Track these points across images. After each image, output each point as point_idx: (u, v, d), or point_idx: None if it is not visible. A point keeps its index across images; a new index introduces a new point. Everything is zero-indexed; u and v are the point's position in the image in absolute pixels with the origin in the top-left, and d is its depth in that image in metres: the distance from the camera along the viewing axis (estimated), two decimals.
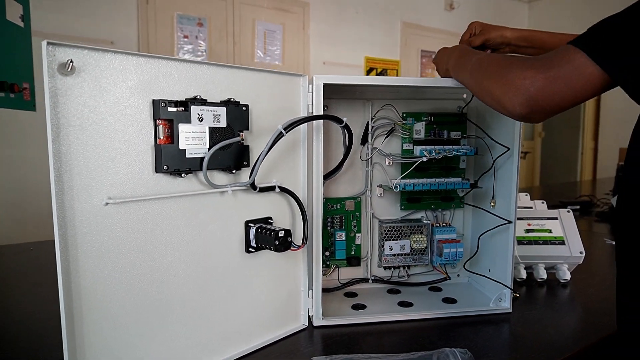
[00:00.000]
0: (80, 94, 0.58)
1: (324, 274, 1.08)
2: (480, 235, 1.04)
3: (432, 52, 5.26)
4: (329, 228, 1.07)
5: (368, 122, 1.06)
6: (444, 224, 1.10)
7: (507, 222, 0.97)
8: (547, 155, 6.33)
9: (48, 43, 0.55)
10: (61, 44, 0.56)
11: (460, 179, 1.02)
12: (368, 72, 4.78)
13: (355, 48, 4.72)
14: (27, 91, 1.79)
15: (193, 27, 3.89)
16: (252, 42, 4.13)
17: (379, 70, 4.85)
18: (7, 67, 1.67)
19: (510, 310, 0.98)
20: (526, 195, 1.43)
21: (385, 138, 1.06)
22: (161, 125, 0.66)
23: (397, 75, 4.96)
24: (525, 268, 1.18)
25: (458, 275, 1.15)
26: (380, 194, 1.10)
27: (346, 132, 0.88)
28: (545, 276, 1.16)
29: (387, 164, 1.08)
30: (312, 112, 0.85)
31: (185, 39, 3.88)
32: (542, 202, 1.39)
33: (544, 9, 6.04)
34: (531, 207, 1.37)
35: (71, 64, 0.57)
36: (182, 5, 3.80)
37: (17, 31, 1.76)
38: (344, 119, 0.84)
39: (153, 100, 0.66)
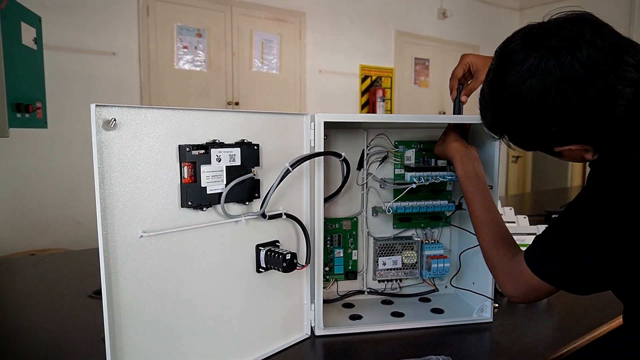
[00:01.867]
0: (121, 145, 0.69)
1: (324, 287, 1.19)
2: (461, 253, 1.16)
3: (426, 59, 5.38)
4: (328, 245, 1.18)
5: (364, 150, 1.17)
6: (433, 241, 1.21)
7: None
8: (538, 160, 6.47)
9: (96, 105, 0.65)
10: (106, 105, 0.67)
11: (446, 202, 1.14)
12: (363, 80, 4.90)
13: (350, 56, 4.83)
14: (40, 110, 1.89)
15: (192, 38, 3.99)
16: (250, 52, 4.22)
17: (373, 78, 4.97)
18: (23, 89, 1.77)
19: (491, 320, 1.09)
20: (510, 209, 1.55)
21: (380, 164, 1.18)
22: (185, 167, 0.77)
23: (391, 83, 5.08)
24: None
25: (446, 287, 1.26)
26: (375, 214, 1.21)
27: (344, 165, 0.99)
28: None
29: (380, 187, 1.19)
30: (314, 146, 0.96)
31: (185, 50, 3.97)
32: (525, 217, 1.50)
33: (534, 16, 6.16)
34: (514, 222, 1.49)
35: (114, 121, 0.67)
36: (181, 16, 3.89)
37: (31, 54, 1.86)
38: (343, 154, 0.95)
39: (179, 145, 0.77)
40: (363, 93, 4.93)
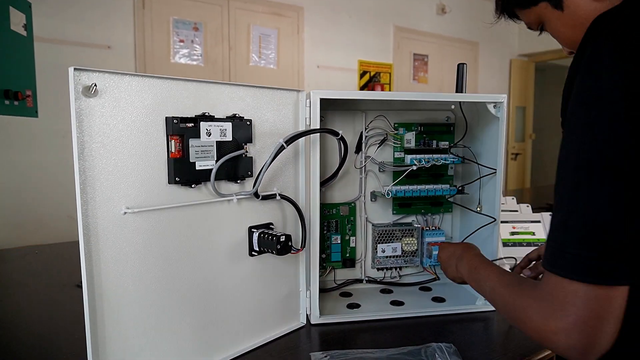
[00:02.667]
0: (102, 114, 0.65)
1: (320, 275, 1.14)
2: (466, 237, 1.11)
3: (425, 55, 5.34)
4: (325, 232, 1.13)
5: (362, 132, 1.12)
6: (434, 228, 1.17)
7: (493, 219, 1.04)
8: (537, 157, 6.44)
9: (75, 69, 0.61)
10: (86, 70, 0.62)
11: (448, 186, 1.09)
12: (361, 76, 4.85)
13: (348, 52, 4.78)
14: (30, 98, 1.84)
15: (189, 32, 3.94)
16: (247, 46, 4.18)
17: (372, 74, 4.92)
18: (11, 76, 1.72)
19: (494, 309, 1.05)
20: (513, 199, 1.51)
21: (378, 147, 1.13)
22: (173, 141, 0.72)
23: (390, 78, 5.04)
24: (510, 268, 1.25)
25: None
26: (374, 199, 1.16)
27: (342, 144, 0.95)
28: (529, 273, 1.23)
29: (379, 171, 1.15)
30: (310, 125, 0.91)
31: (181, 43, 3.92)
32: (527, 206, 1.46)
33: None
34: (517, 211, 1.44)
35: (95, 87, 0.63)
36: (178, 9, 3.84)
37: (20, 40, 1.82)
38: (340, 132, 0.91)
39: (166, 117, 0.72)
40: (361, 89, 4.88)
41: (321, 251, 1.12)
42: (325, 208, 1.13)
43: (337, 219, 1.14)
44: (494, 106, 1.00)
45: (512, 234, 1.28)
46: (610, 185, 0.48)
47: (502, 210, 1.40)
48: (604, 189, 0.48)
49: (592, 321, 0.48)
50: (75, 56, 3.33)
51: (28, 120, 1.91)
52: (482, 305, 1.05)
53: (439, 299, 1.10)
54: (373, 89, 4.86)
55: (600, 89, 0.50)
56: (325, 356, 0.80)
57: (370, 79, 4.89)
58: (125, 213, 0.68)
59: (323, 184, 1.08)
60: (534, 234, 1.28)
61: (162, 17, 3.78)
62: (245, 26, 4.16)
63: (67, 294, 1.14)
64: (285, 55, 4.38)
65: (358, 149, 1.13)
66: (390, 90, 5.03)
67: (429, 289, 1.17)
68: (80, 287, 1.11)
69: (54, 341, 0.91)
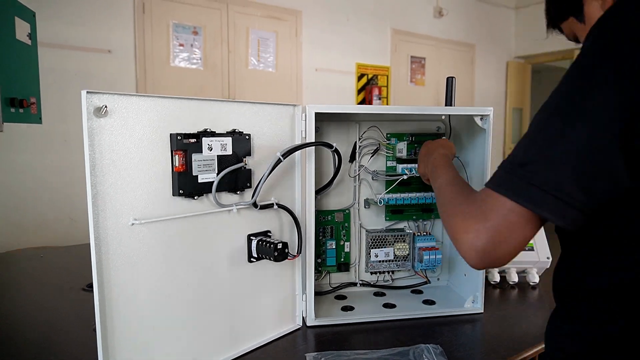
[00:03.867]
0: (112, 132, 0.70)
1: (316, 279, 1.20)
2: None
3: (422, 57, 5.39)
4: (320, 237, 1.19)
5: (356, 142, 1.17)
6: (425, 233, 1.22)
7: None
8: None
9: (87, 92, 0.66)
10: (97, 92, 0.67)
11: None
12: (359, 78, 4.91)
13: (346, 55, 4.84)
14: (35, 105, 1.89)
15: (188, 36, 3.99)
16: (246, 49, 4.23)
17: (369, 76, 4.98)
18: (17, 84, 1.77)
19: (482, 311, 1.10)
20: None
21: (372, 156, 1.18)
22: (177, 155, 0.78)
23: (387, 81, 5.09)
24: (499, 272, 1.31)
25: (438, 279, 1.27)
26: (367, 206, 1.22)
27: (336, 155, 1.00)
28: (516, 279, 1.29)
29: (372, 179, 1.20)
30: (306, 137, 0.97)
31: (181, 47, 3.97)
32: None
33: (530, 15, 6.19)
34: None
35: (105, 108, 0.68)
36: (177, 14, 3.89)
37: (25, 49, 1.87)
38: (334, 145, 0.96)
39: (170, 134, 0.77)
40: (359, 91, 4.94)
41: (317, 256, 1.17)
42: (321, 215, 1.18)
43: (332, 225, 1.19)
44: (481, 118, 1.06)
45: None
46: (572, 129, 0.52)
47: None
48: (565, 130, 0.52)
49: (504, 232, 0.54)
50: (76, 60, 3.38)
51: (30, 124, 1.95)
52: (470, 308, 1.10)
53: (429, 302, 1.15)
54: (371, 92, 4.91)
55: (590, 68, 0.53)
56: (320, 357, 0.86)
57: (368, 82, 4.95)
58: (132, 224, 0.73)
59: (318, 192, 1.13)
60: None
61: (162, 22, 3.83)
62: (244, 30, 4.21)
63: (73, 298, 1.19)
64: (284, 58, 4.43)
65: (352, 158, 1.18)
66: (387, 92, 5.08)
67: (420, 292, 1.22)
68: (87, 290, 1.16)
69: (62, 345, 0.95)
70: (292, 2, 4.40)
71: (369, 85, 4.95)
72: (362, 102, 4.94)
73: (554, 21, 0.79)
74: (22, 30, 1.83)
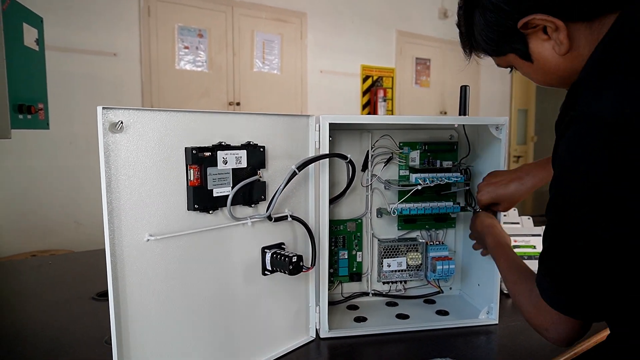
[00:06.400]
0: (127, 148, 0.69)
1: (328, 289, 1.18)
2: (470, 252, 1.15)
3: (427, 59, 5.38)
4: (332, 247, 1.17)
5: (368, 151, 1.16)
6: (438, 243, 1.21)
7: None
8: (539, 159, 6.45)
9: (103, 108, 0.65)
10: (113, 108, 0.66)
11: (451, 203, 1.13)
12: (364, 80, 4.89)
13: (351, 57, 4.82)
14: (42, 111, 1.89)
15: (194, 38, 3.98)
16: (251, 52, 4.22)
17: (374, 78, 4.96)
18: (24, 90, 1.77)
19: (497, 322, 1.09)
20: (514, 210, 1.54)
21: (384, 165, 1.17)
22: (192, 170, 0.77)
23: (392, 83, 5.07)
24: None
25: (450, 288, 1.26)
26: (380, 215, 1.21)
27: (349, 166, 0.99)
28: None
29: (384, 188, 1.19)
30: (319, 148, 0.96)
31: (186, 50, 3.97)
32: (529, 218, 1.50)
33: None
34: (518, 223, 1.48)
35: (121, 124, 0.67)
36: (183, 17, 3.89)
37: (33, 55, 1.86)
38: (348, 156, 0.95)
39: (185, 148, 0.76)
40: (364, 93, 4.93)
41: (329, 266, 1.16)
42: (333, 224, 1.17)
43: (344, 235, 1.18)
44: (496, 128, 1.04)
45: (513, 247, 1.31)
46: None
47: (504, 223, 1.45)
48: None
49: (559, 328, 0.66)
50: (81, 63, 3.38)
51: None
52: (485, 319, 1.09)
53: (442, 312, 1.14)
54: (376, 93, 4.90)
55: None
56: None
57: (373, 84, 4.94)
58: (148, 240, 0.72)
59: (331, 201, 1.12)
60: (535, 247, 1.32)
61: (167, 25, 3.82)
62: (249, 32, 4.20)
63: (83, 307, 1.18)
64: (289, 60, 4.42)
65: (364, 167, 1.17)
66: (392, 94, 5.07)
67: (433, 302, 1.21)
68: (97, 299, 1.16)
69: (73, 355, 0.94)
70: (297, 4, 4.39)
71: (374, 87, 4.94)
72: (367, 104, 4.93)
73: (482, 52, 0.74)
74: (29, 36, 1.82)
